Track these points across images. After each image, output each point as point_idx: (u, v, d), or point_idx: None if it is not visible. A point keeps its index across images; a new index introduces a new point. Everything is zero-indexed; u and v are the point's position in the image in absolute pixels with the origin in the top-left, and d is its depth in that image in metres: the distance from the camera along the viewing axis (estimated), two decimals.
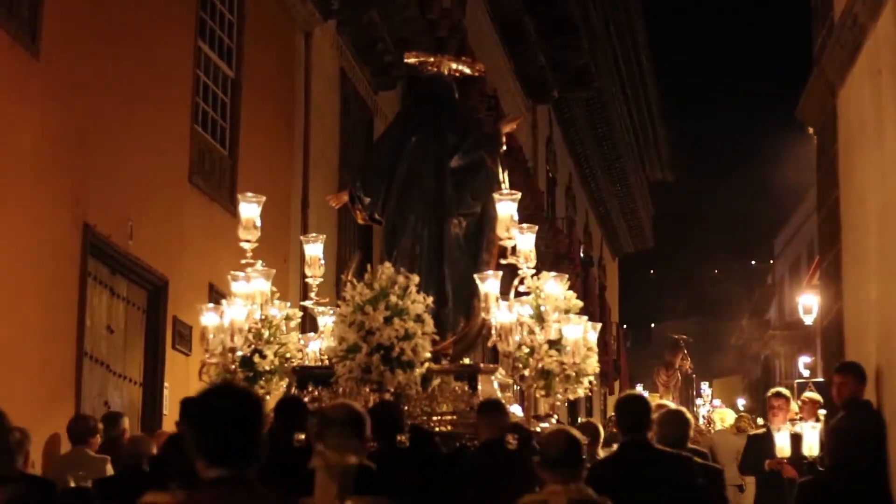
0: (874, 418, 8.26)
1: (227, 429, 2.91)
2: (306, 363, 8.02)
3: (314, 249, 8.28)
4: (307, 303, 8.32)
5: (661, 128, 31.85)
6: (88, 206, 8.96)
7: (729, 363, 45.33)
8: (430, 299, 7.45)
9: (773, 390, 10.06)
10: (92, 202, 9.01)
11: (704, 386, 24.05)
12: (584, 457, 4.67)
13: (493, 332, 7.54)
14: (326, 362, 7.77)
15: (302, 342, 8.28)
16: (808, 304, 21.47)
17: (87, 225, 8.95)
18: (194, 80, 11.04)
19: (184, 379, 10.51)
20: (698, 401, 15.74)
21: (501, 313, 7.45)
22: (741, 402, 36.90)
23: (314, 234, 8.49)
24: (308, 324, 9.98)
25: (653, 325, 54.59)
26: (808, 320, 21.78)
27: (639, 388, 26.46)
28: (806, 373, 25.93)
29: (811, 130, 15.70)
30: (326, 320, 8.11)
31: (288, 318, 8.03)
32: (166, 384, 10.22)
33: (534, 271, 7.82)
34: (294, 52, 13.28)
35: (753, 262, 55.44)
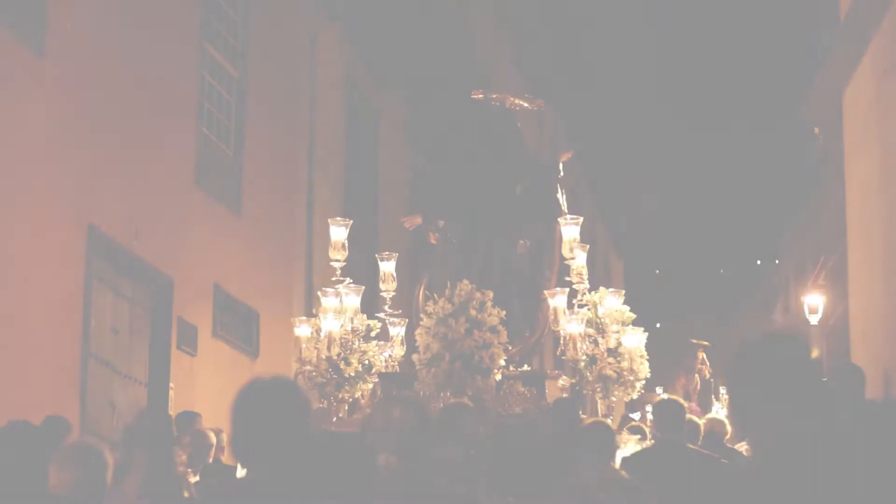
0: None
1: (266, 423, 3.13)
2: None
3: (388, 266, 8.94)
4: (381, 314, 9.01)
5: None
6: (93, 207, 8.96)
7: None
8: (503, 312, 8.26)
9: None
10: (97, 202, 9.01)
11: (723, 390, 24.00)
12: None
13: (561, 341, 8.35)
14: (396, 368, 8.73)
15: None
16: (814, 303, 21.40)
17: (92, 225, 8.95)
18: (199, 81, 11.04)
19: (189, 379, 10.51)
20: (717, 405, 15.72)
21: (570, 325, 8.27)
22: None
23: (388, 252, 9.19)
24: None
25: (658, 324, 54.54)
26: (814, 320, 21.71)
27: (658, 391, 26.40)
28: None
29: (816, 130, 15.68)
30: (398, 330, 8.87)
31: (369, 329, 8.77)
32: (171, 384, 10.21)
33: (588, 286, 8.61)
34: (299, 53, 13.27)
35: (758, 262, 55.35)
